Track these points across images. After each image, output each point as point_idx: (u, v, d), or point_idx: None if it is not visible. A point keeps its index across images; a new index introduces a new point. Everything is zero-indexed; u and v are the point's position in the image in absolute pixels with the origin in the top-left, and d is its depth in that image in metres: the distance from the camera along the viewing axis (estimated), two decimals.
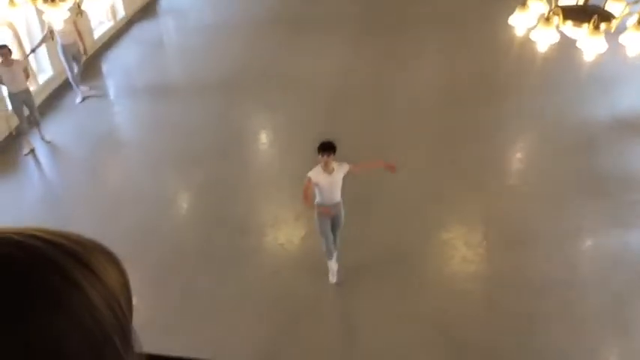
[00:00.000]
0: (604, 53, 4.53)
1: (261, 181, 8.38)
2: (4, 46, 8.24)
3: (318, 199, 6.08)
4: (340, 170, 5.94)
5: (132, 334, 0.62)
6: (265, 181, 8.36)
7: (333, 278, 6.54)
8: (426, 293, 6.50)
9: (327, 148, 5.78)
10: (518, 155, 9.05)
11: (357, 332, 6.15)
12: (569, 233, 7.26)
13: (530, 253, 6.97)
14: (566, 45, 5.17)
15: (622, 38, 4.61)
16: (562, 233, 7.24)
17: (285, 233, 7.37)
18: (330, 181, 5.92)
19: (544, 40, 4.50)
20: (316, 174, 5.90)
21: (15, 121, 8.97)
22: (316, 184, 5.94)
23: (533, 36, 4.57)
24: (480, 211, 7.72)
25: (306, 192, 5.99)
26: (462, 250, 7.08)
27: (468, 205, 7.81)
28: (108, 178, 8.68)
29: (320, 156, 5.81)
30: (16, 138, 9.11)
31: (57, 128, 9.52)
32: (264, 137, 9.71)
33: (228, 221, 7.51)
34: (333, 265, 6.50)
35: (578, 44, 4.46)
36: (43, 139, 9.10)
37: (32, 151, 8.92)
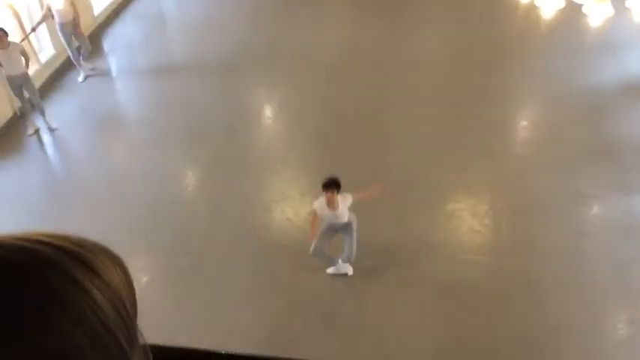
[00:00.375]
0: (611, 17, 4.45)
1: (266, 157, 8.36)
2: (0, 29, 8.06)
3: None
4: (344, 203, 5.86)
5: (137, 333, 0.63)
6: (270, 157, 8.34)
7: (330, 271, 6.43)
8: (433, 263, 6.51)
9: (330, 185, 5.71)
10: (525, 122, 8.99)
11: (363, 302, 6.18)
12: (576, 201, 7.23)
13: (537, 221, 6.96)
14: (572, 10, 5.09)
15: (629, 2, 4.53)
16: (569, 201, 7.22)
17: (292, 208, 7.38)
18: (335, 215, 5.90)
19: (550, 4, 4.42)
20: (321, 208, 5.88)
21: (19, 102, 8.95)
22: (322, 216, 5.96)
23: (538, 1, 4.49)
24: (487, 179, 7.69)
25: (313, 226, 6.00)
26: (468, 220, 7.07)
27: (474, 173, 7.79)
28: (112, 157, 8.68)
29: (324, 192, 5.75)
30: (20, 118, 9.10)
31: (60, 107, 9.50)
32: (268, 112, 9.67)
33: (234, 198, 7.52)
34: (339, 266, 6.40)
35: (584, 9, 4.38)
36: (49, 128, 8.90)
37: (37, 131, 8.91)
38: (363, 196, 6.19)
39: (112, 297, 0.59)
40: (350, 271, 6.42)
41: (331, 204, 5.81)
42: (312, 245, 6.14)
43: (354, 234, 6.12)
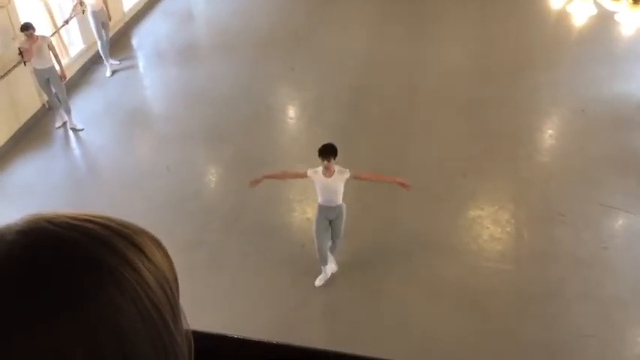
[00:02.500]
0: None
1: (287, 155, 8.38)
2: (28, 27, 8.04)
3: (319, 200, 6.04)
4: (340, 176, 5.82)
5: (180, 313, 0.64)
6: (292, 155, 8.35)
7: (319, 282, 6.34)
8: (452, 269, 6.46)
9: (327, 152, 5.66)
10: (551, 131, 8.88)
11: (379, 302, 6.16)
12: (600, 211, 7.12)
13: (560, 231, 6.87)
14: (604, 17, 5.01)
15: None
16: (593, 211, 7.11)
17: (313, 208, 7.35)
18: (327, 184, 5.84)
19: (581, 12, 4.36)
20: (314, 173, 5.84)
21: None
22: (315, 184, 5.93)
23: (570, 8, 4.44)
24: (510, 187, 7.62)
25: (283, 175, 6.12)
26: (490, 227, 7.01)
27: (497, 179, 7.72)
28: (138, 152, 8.78)
29: (321, 160, 5.71)
30: (48, 111, 9.24)
31: (87, 101, 9.64)
32: (291, 111, 9.68)
33: (255, 195, 7.54)
34: (327, 269, 6.34)
35: (616, 17, 4.31)
36: (72, 129, 8.91)
37: (64, 124, 9.01)
38: (370, 178, 6.29)
39: (159, 277, 0.60)
40: (334, 267, 6.39)
41: (328, 171, 5.77)
42: (316, 241, 6.16)
43: (342, 225, 6.11)
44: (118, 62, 10.45)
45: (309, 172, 5.89)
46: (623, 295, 6.13)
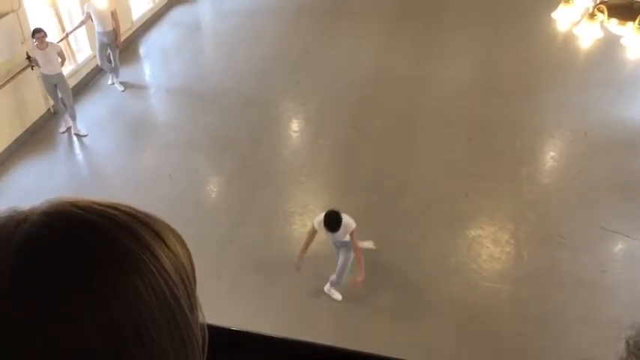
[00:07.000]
0: None
1: (289, 169, 8.39)
2: (40, 30, 8.17)
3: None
4: (345, 228, 5.80)
5: (197, 305, 0.64)
6: (293, 169, 8.37)
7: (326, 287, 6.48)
8: (451, 288, 6.45)
9: (332, 225, 5.67)
10: (553, 153, 8.89)
11: (378, 321, 6.14)
12: (600, 235, 7.12)
13: (560, 253, 6.86)
14: (611, 41, 5.06)
15: None
16: (593, 234, 7.11)
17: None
18: (333, 236, 5.92)
19: (588, 35, 4.40)
20: (320, 225, 5.88)
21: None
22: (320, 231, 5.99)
23: (576, 31, 4.48)
24: (511, 207, 7.62)
25: (306, 247, 5.99)
26: (490, 247, 7.00)
27: (498, 199, 7.72)
28: (140, 160, 8.80)
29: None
30: (53, 115, 9.28)
31: (92, 107, 9.67)
32: (294, 125, 9.72)
33: (256, 207, 7.55)
34: (329, 288, 6.44)
35: (622, 41, 4.35)
36: (77, 134, 8.93)
37: (68, 129, 9.04)
38: (358, 257, 6.02)
39: (177, 266, 0.61)
40: (338, 296, 6.37)
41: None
42: (343, 275, 6.19)
43: (350, 256, 6.05)
44: (122, 88, 10.16)
45: (315, 224, 5.87)
46: (623, 319, 6.10)
